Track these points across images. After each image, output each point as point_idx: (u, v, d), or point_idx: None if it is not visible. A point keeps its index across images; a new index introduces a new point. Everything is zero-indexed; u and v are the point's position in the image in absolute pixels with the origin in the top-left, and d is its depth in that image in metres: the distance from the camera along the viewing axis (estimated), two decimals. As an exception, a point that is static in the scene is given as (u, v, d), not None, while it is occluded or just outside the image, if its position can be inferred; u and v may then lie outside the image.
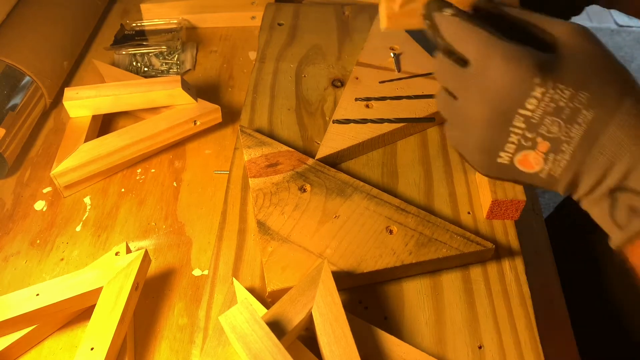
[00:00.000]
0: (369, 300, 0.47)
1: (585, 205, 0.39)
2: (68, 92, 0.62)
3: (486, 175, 0.41)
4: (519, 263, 0.49)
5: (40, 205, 0.59)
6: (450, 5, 0.40)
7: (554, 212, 0.84)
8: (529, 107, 0.36)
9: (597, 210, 0.38)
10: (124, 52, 0.75)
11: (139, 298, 0.49)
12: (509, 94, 0.36)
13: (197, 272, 0.53)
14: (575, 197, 0.39)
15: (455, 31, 0.39)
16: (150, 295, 0.51)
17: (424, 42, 0.69)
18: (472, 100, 0.38)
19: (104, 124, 0.67)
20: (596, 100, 0.35)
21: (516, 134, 0.37)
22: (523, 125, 0.36)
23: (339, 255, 0.47)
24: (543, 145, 0.37)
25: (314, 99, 0.64)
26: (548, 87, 0.35)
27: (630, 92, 0.35)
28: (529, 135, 0.37)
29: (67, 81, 0.73)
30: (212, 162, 0.63)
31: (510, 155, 0.38)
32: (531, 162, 0.38)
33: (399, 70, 0.64)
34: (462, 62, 0.39)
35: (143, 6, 0.80)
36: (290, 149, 0.56)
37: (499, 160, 0.39)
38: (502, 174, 0.40)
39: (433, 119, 0.60)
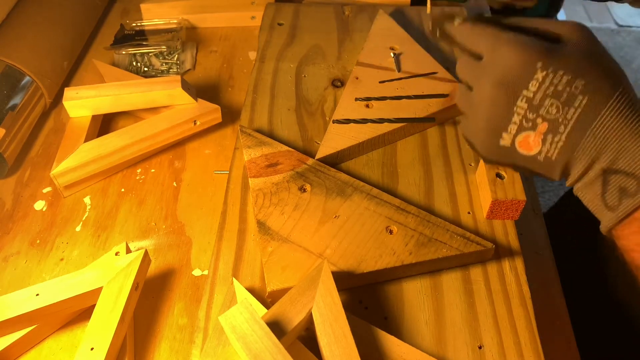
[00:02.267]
0: (369, 300, 0.47)
1: (578, 189, 0.42)
2: (68, 92, 0.62)
3: (488, 158, 0.45)
4: (519, 263, 0.49)
5: (40, 205, 0.59)
6: (457, 16, 0.46)
7: (553, 211, 0.84)
8: (532, 88, 0.40)
9: (589, 195, 0.41)
10: (124, 52, 0.75)
11: (139, 298, 0.49)
12: (514, 75, 0.40)
13: (197, 272, 0.53)
14: (569, 182, 0.42)
15: (466, 34, 0.44)
16: (150, 295, 0.51)
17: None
18: (484, 85, 0.42)
19: (104, 124, 0.67)
20: (591, 87, 0.39)
21: (519, 114, 0.41)
22: (525, 106, 0.40)
23: (339, 255, 0.47)
24: (542, 126, 0.40)
25: (314, 98, 0.64)
26: (549, 72, 0.39)
27: (621, 84, 0.39)
28: (530, 115, 0.41)
29: (67, 81, 0.73)
30: (212, 162, 0.63)
31: (512, 136, 0.42)
32: (530, 143, 0.41)
33: (399, 70, 0.64)
34: (478, 58, 0.43)
35: (143, 6, 0.80)
36: (290, 149, 0.56)
37: (502, 142, 0.42)
38: (503, 156, 0.43)
39: (433, 119, 0.60)
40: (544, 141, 0.41)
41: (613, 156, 0.39)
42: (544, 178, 0.44)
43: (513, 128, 0.41)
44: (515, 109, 0.41)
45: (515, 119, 0.41)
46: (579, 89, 0.39)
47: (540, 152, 0.41)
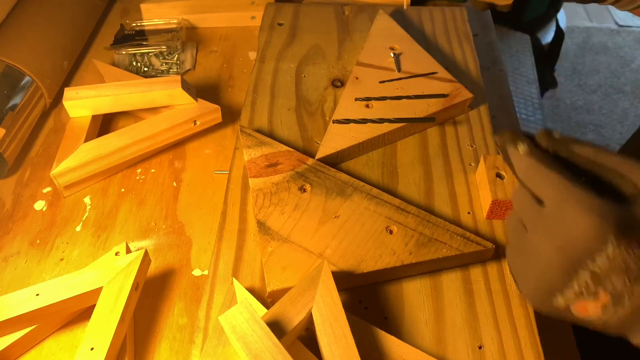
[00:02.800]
0: (369, 300, 0.47)
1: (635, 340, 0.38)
2: (68, 92, 0.62)
3: (535, 308, 0.40)
4: (519, 263, 0.49)
5: (40, 205, 0.59)
6: (523, 141, 0.39)
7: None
8: (598, 261, 0.35)
9: None
10: (124, 52, 0.75)
11: (139, 298, 0.49)
12: (581, 245, 0.35)
13: (197, 272, 0.53)
14: (630, 339, 0.38)
15: (528, 171, 0.39)
16: (150, 295, 0.51)
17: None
18: (543, 239, 0.37)
19: (104, 124, 0.67)
20: None
21: (579, 283, 0.36)
22: (588, 276, 0.35)
23: (339, 255, 0.47)
24: (604, 298, 0.35)
25: (314, 99, 0.64)
26: (621, 249, 0.34)
27: None
28: (591, 286, 0.35)
29: (67, 81, 0.73)
30: (212, 162, 0.63)
31: (566, 299, 0.37)
32: (588, 309, 0.37)
33: (399, 70, 0.64)
34: (539, 201, 0.38)
35: (143, 6, 0.80)
36: (290, 149, 0.56)
37: (554, 301, 0.37)
38: (553, 311, 0.38)
39: (433, 119, 0.60)
40: (603, 311, 0.36)
41: None
42: None
43: (569, 293, 0.36)
44: (575, 276, 0.36)
45: (575, 286, 0.36)
46: None
47: (598, 319, 0.37)
